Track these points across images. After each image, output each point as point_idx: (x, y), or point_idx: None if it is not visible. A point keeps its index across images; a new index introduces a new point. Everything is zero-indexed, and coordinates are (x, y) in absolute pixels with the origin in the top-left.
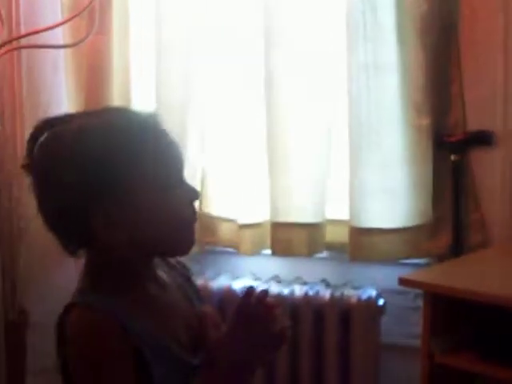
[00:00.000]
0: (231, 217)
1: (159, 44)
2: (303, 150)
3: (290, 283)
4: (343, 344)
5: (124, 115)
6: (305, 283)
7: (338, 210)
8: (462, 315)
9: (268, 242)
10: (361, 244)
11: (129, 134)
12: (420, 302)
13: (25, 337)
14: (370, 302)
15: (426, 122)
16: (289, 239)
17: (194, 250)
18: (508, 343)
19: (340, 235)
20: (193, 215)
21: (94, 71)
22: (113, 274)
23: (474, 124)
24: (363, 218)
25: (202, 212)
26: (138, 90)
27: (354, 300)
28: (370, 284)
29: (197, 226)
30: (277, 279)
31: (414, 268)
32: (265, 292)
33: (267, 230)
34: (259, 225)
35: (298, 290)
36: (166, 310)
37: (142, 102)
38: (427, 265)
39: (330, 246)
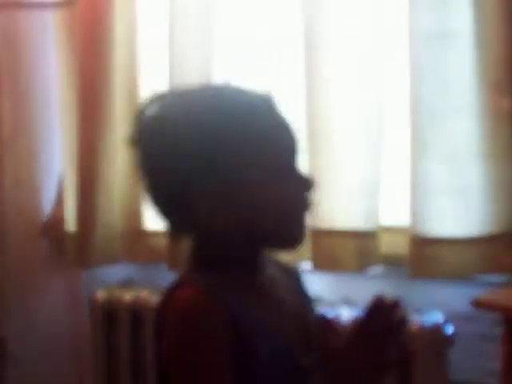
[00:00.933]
0: None
1: (173, 7)
2: (351, 139)
3: (334, 305)
4: (403, 382)
5: (236, 93)
6: (354, 305)
7: (395, 214)
8: None
9: (307, 253)
10: (424, 257)
11: (238, 113)
12: (498, 330)
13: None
14: (436, 330)
15: (507, 104)
16: (333, 250)
17: None
18: None
19: (398, 246)
20: (304, 206)
21: (90, 41)
22: (222, 260)
23: None
24: (427, 224)
25: None
26: (147, 65)
27: (415, 327)
28: (436, 307)
29: None
30: (319, 300)
31: (491, 287)
32: (396, 302)
33: (307, 239)
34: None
35: (346, 314)
36: (277, 304)
37: (151, 81)
38: (507, 283)
39: (386, 260)
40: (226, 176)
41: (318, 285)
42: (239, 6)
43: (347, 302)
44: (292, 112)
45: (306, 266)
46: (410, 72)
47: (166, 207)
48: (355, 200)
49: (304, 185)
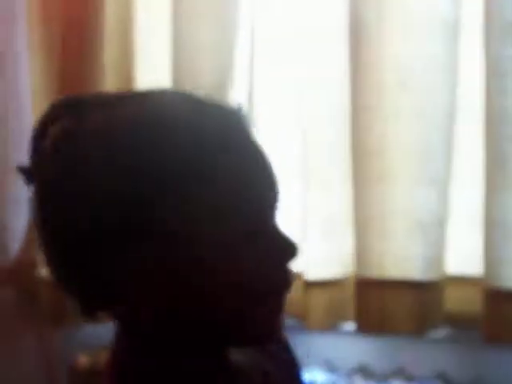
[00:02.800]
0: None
1: None
2: (409, 164)
3: (386, 378)
4: None
5: (189, 105)
6: (411, 379)
7: (464, 260)
8: None
9: (350, 310)
10: (503, 316)
11: (200, 137)
12: None
13: None
14: None
15: None
16: (384, 307)
17: None
18: None
19: (468, 302)
20: (283, 283)
21: (73, 31)
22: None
23: None
24: (505, 274)
25: None
26: (145, 62)
27: None
28: None
29: None
30: (365, 371)
31: None
32: None
33: (349, 292)
34: (336, 283)
35: None
36: None
37: (150, 80)
38: None
39: (452, 319)
40: (164, 237)
41: (363, 352)
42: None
43: (402, 374)
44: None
45: (348, 327)
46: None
47: (68, 270)
48: (413, 242)
49: (283, 252)
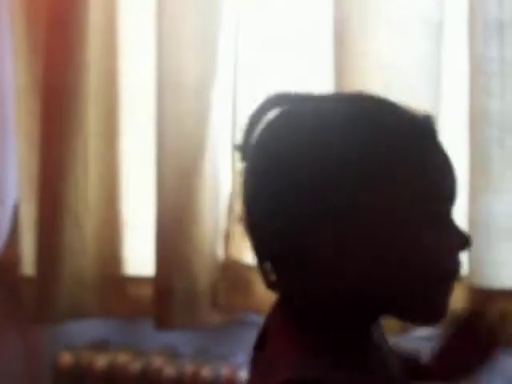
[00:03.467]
0: None
1: None
2: None
3: None
4: None
5: (391, 109)
6: None
7: None
8: None
9: None
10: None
11: (397, 137)
12: None
13: None
14: None
15: None
16: None
17: (214, 319)
18: None
19: (453, 300)
20: (454, 271)
21: (56, 27)
22: (333, 334)
23: None
24: (490, 273)
25: (228, 258)
26: (129, 61)
27: None
28: None
29: (221, 279)
30: None
31: None
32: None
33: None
34: None
35: None
36: None
37: (133, 78)
38: None
39: None
40: (366, 218)
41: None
42: None
43: None
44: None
45: None
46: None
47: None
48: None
49: (460, 242)
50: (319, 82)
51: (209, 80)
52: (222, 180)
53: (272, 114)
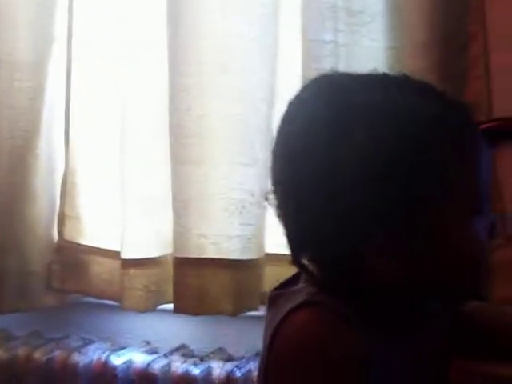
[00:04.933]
0: (113, 247)
1: None
2: (227, 136)
3: (206, 358)
4: None
5: (434, 94)
6: (231, 359)
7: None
8: None
9: (170, 291)
10: None
11: (444, 121)
12: None
13: None
14: None
15: None
16: (201, 287)
17: (48, 302)
18: None
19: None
20: (483, 256)
21: None
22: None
23: None
24: None
25: (62, 239)
26: None
27: None
28: None
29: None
30: (184, 351)
31: None
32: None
33: (168, 273)
34: (155, 263)
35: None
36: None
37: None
38: None
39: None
40: (422, 213)
41: (183, 333)
42: None
43: (222, 354)
44: None
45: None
46: None
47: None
48: (231, 223)
49: (491, 230)
50: (153, 59)
51: (43, 59)
52: (57, 159)
53: (320, 104)
